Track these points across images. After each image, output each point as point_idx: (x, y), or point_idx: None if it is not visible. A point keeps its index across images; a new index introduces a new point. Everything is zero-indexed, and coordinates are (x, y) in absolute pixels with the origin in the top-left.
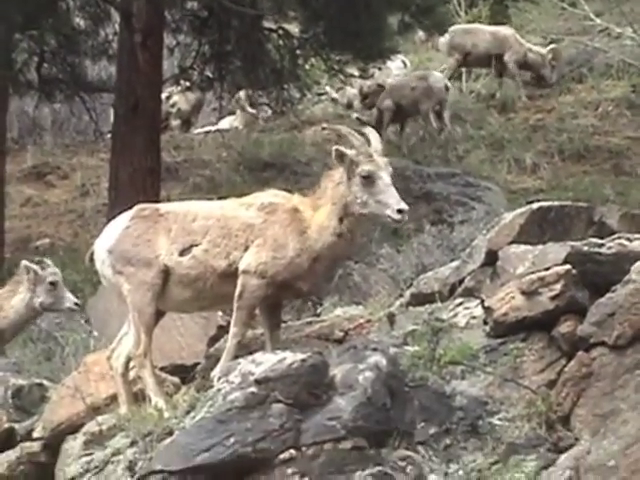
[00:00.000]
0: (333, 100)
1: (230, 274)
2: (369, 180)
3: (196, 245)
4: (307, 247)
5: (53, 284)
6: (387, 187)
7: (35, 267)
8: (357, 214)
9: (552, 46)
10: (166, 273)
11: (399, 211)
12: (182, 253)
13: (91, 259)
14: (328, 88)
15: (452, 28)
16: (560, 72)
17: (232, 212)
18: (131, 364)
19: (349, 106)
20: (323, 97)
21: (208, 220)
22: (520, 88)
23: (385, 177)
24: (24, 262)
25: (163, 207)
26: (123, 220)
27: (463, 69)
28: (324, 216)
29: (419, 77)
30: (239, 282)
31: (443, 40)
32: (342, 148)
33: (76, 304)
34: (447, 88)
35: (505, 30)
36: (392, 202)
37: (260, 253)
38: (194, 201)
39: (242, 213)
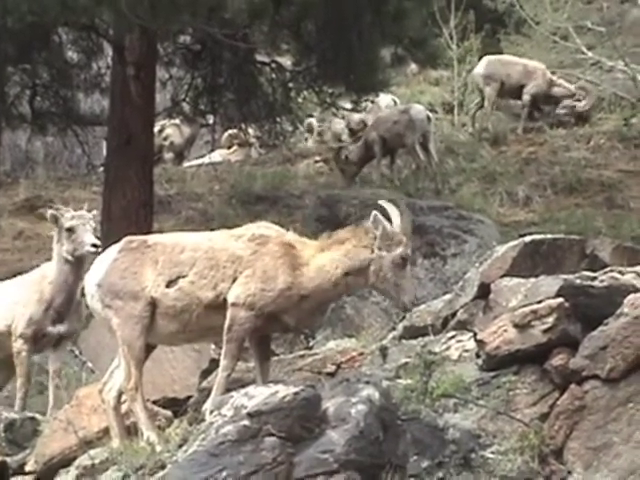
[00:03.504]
0: (319, 134)
1: (217, 306)
2: (404, 263)
3: (183, 277)
4: (298, 283)
5: (70, 230)
6: (410, 275)
7: (57, 214)
8: (370, 283)
9: (582, 84)
10: (153, 305)
11: (405, 303)
12: (169, 285)
13: (83, 293)
14: (314, 121)
15: (485, 58)
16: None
17: (221, 244)
18: (123, 397)
19: (338, 139)
20: (307, 133)
21: (196, 252)
22: (522, 120)
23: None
24: (50, 211)
25: (151, 238)
26: (111, 253)
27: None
28: (327, 260)
29: (401, 111)
30: (228, 315)
31: (477, 71)
32: (381, 217)
33: (94, 245)
34: (429, 119)
35: (535, 63)
36: (410, 291)
37: (249, 284)
38: (183, 232)
39: (231, 244)
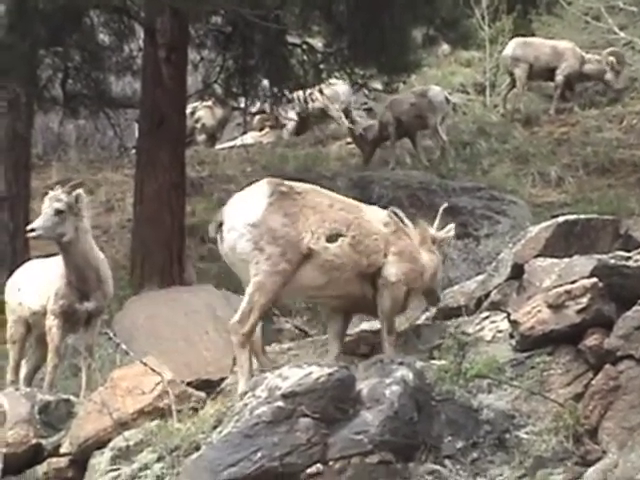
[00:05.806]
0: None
1: (364, 275)
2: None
3: (342, 235)
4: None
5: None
6: None
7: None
8: (433, 285)
9: (611, 49)
10: (306, 257)
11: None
12: (329, 239)
13: (218, 230)
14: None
15: (513, 40)
16: (625, 76)
17: (365, 213)
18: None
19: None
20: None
21: (348, 213)
22: (554, 101)
23: None
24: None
25: (297, 186)
26: (261, 193)
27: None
28: (429, 255)
29: (418, 93)
30: (387, 294)
31: (505, 53)
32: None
33: (28, 230)
34: (448, 101)
35: (564, 44)
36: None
37: (400, 263)
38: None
39: (372, 217)
